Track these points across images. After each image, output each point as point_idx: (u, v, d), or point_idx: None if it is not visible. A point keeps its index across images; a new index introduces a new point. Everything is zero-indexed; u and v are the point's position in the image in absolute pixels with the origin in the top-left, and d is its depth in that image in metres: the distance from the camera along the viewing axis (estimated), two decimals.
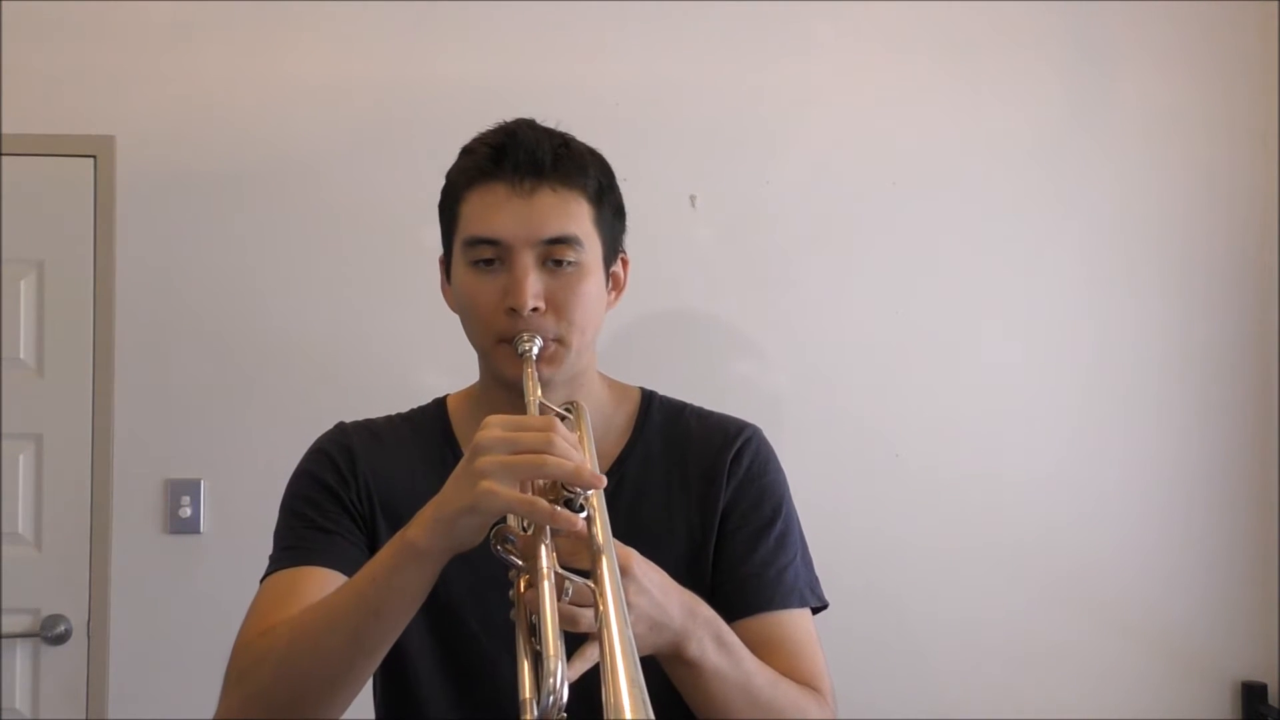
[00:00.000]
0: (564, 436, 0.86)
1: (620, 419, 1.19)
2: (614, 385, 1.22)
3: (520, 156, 1.06)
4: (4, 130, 2.41)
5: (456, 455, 1.14)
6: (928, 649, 2.50)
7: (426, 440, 1.19)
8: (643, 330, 2.43)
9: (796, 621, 1.10)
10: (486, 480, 0.83)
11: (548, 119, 1.13)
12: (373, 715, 1.19)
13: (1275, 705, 2.48)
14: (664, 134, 2.52)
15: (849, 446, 2.51)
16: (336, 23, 2.50)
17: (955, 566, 2.51)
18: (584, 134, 1.14)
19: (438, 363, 2.37)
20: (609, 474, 1.11)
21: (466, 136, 1.14)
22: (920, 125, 2.56)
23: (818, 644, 1.11)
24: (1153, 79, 2.58)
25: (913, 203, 2.55)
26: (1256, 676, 2.51)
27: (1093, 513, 2.53)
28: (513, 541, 0.87)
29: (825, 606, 1.16)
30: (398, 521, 1.08)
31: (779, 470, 1.19)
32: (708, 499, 1.14)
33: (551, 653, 0.75)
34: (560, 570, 0.82)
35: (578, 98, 2.45)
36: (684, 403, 1.23)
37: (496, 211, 1.06)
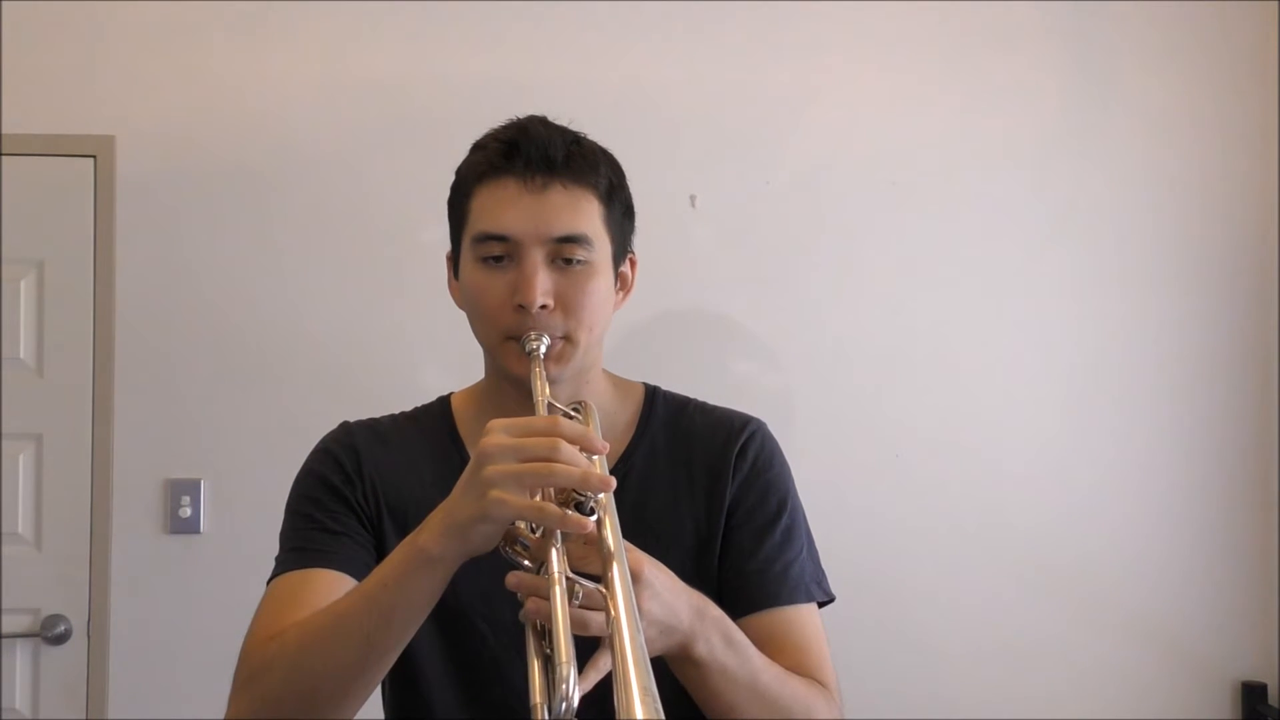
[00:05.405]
0: (569, 438, 0.85)
1: (625, 415, 1.18)
2: (618, 382, 1.22)
3: (532, 153, 1.05)
4: (4, 130, 2.41)
5: (462, 454, 1.14)
6: (927, 648, 2.50)
7: (432, 439, 1.18)
8: (641, 330, 2.43)
9: (803, 616, 1.10)
10: (495, 490, 0.83)
11: (558, 117, 1.12)
12: (381, 717, 1.18)
13: (1275, 705, 2.48)
14: (664, 134, 2.52)
15: (849, 446, 2.51)
16: (335, 22, 2.50)
17: (955, 567, 2.51)
18: (584, 133, 1.13)
19: (438, 362, 2.37)
20: (614, 471, 1.10)
21: (466, 136, 1.13)
22: (920, 125, 2.56)
23: (824, 639, 1.11)
24: (1152, 79, 2.59)
25: (912, 203, 2.55)
26: (1256, 676, 2.51)
27: (1093, 513, 2.53)
28: (523, 545, 0.87)
29: (831, 600, 1.15)
30: (404, 521, 1.08)
31: (784, 464, 1.18)
32: (713, 494, 1.13)
33: (563, 658, 0.74)
34: (571, 575, 0.82)
35: (577, 97, 2.43)
36: (687, 398, 1.23)
37: (508, 207, 1.05)
